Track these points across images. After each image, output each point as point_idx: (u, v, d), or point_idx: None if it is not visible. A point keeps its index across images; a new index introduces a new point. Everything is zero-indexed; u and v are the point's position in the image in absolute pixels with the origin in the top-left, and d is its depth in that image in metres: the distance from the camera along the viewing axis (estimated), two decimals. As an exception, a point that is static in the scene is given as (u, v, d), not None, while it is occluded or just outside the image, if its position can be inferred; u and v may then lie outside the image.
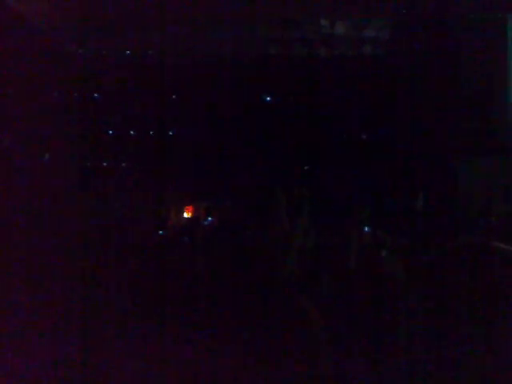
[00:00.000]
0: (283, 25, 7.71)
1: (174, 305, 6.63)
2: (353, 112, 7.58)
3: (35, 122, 7.47)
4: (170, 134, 7.77)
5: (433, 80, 7.44)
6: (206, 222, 7.34)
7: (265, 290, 6.40)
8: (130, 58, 7.87)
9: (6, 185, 7.14)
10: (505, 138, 7.44)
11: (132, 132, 7.82)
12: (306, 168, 7.46)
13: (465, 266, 6.22)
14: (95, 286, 6.82)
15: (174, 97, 7.77)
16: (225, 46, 7.76)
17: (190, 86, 7.65)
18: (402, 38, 7.90)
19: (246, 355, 5.69)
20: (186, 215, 7.47)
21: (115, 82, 7.78)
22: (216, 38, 7.75)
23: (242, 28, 7.69)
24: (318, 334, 5.83)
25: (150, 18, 7.44)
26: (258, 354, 5.60)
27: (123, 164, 7.73)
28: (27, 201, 7.22)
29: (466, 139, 7.37)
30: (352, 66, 7.86)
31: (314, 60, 7.85)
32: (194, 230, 7.31)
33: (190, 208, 7.47)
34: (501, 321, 5.28)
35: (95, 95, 7.83)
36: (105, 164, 7.76)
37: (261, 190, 7.19)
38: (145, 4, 7.35)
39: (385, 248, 6.82)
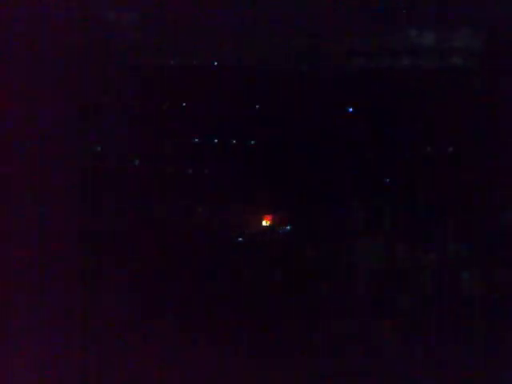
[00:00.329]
0: (367, 35, 7.68)
1: (242, 307, 6.70)
2: (437, 126, 7.44)
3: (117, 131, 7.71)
4: (252, 143, 7.86)
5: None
6: (283, 231, 7.40)
7: (334, 302, 6.37)
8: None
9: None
10: None
11: (215, 140, 7.95)
12: (385, 182, 7.37)
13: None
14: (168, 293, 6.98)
15: (256, 106, 7.86)
16: (307, 57, 7.80)
17: (272, 95, 7.73)
18: (493, 49, 7.69)
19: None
20: (264, 224, 7.53)
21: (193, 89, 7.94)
22: (297, 50, 7.80)
23: (323, 39, 7.70)
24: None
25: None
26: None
27: (205, 171, 7.87)
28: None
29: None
30: (439, 78, 7.73)
31: (400, 72, 7.76)
32: (271, 238, 7.39)
33: (269, 217, 7.53)
34: None
35: (175, 103, 8.01)
36: (189, 171, 7.91)
37: (340, 203, 7.15)
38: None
39: (467, 266, 6.65)
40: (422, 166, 7.33)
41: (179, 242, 7.44)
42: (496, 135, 7.19)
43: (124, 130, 7.67)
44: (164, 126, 7.89)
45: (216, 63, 8.00)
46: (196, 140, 7.88)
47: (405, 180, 7.31)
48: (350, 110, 7.67)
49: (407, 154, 7.47)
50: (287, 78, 7.70)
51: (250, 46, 7.76)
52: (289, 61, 7.74)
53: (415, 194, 7.26)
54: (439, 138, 7.44)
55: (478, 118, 7.30)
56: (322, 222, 7.30)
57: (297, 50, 7.78)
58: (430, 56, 7.85)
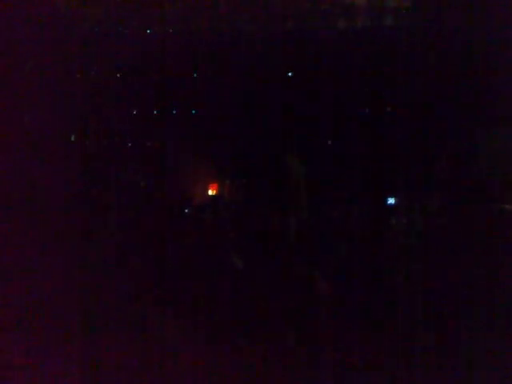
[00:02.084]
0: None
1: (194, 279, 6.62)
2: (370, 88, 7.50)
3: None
4: (194, 112, 7.85)
5: (458, 56, 7.19)
6: (229, 200, 7.43)
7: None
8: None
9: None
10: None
11: (157, 111, 7.92)
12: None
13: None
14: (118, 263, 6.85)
15: (195, 76, 7.84)
16: (239, 22, 7.74)
17: (210, 64, 7.70)
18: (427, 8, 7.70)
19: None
20: (210, 193, 7.55)
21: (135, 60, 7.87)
22: (230, 14, 7.73)
23: (255, 3, 7.63)
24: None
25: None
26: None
27: (148, 143, 7.84)
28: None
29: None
30: (372, 38, 7.79)
31: (332, 33, 7.80)
32: (218, 207, 7.41)
33: (215, 186, 7.55)
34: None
35: (117, 74, 7.93)
36: (130, 143, 7.87)
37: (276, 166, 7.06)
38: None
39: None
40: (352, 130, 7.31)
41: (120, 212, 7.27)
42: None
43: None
44: (102, 97, 7.79)
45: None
46: (135, 111, 7.84)
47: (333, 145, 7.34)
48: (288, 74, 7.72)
49: (340, 118, 7.47)
50: (214, 45, 7.64)
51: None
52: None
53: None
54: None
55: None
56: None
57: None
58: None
